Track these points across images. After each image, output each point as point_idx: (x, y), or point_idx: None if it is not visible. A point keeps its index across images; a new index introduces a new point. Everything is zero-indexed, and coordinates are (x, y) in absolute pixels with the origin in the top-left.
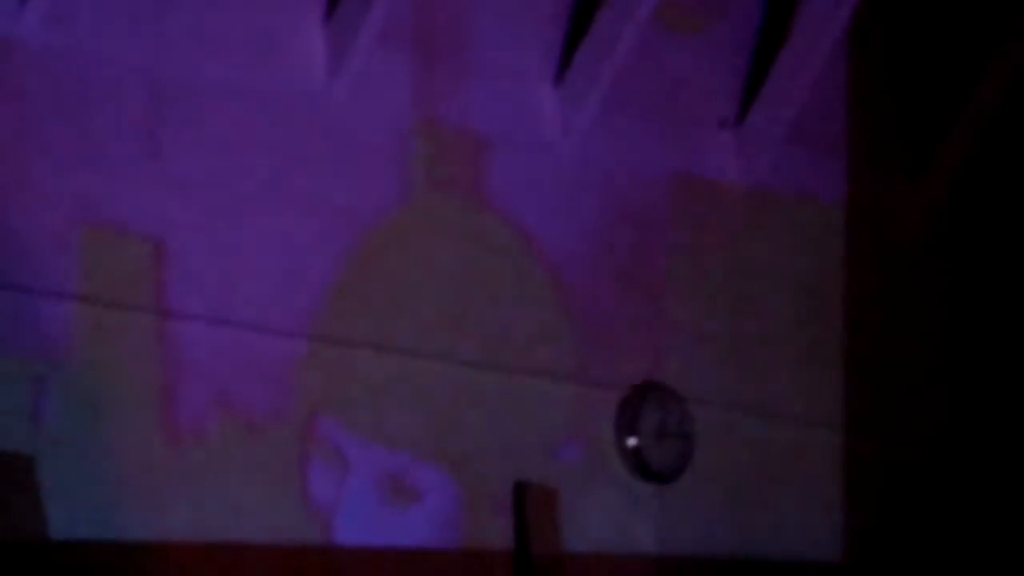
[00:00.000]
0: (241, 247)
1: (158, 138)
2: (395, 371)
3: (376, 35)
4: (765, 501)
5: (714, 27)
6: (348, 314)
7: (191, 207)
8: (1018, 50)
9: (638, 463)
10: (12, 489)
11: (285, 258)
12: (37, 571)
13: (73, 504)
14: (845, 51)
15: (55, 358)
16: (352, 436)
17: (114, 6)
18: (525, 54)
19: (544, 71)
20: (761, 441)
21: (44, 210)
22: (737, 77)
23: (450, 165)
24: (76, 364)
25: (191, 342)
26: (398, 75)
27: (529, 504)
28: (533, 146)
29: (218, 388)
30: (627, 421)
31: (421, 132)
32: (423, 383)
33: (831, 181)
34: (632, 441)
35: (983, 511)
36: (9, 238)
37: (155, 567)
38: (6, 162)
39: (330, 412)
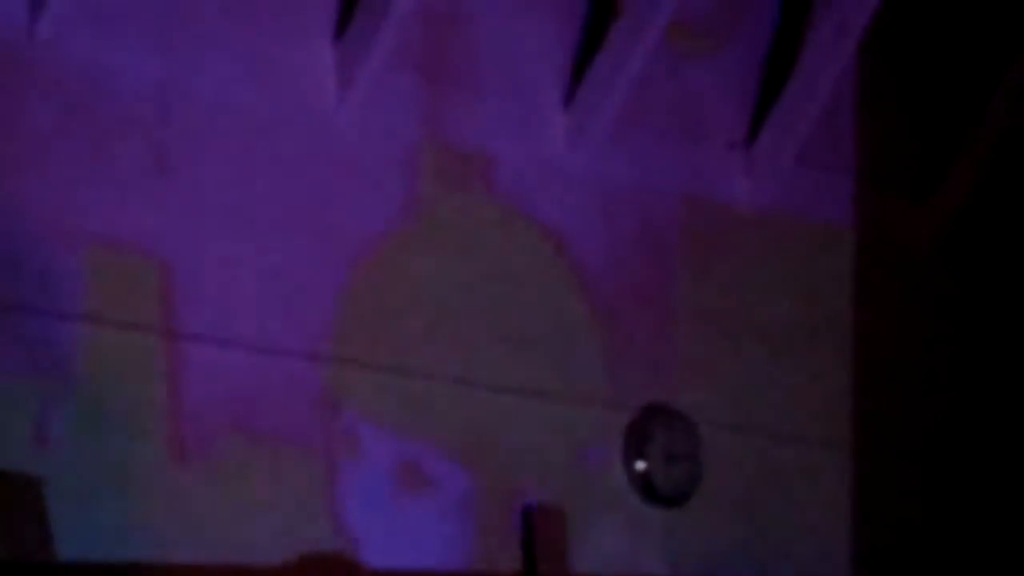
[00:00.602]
0: (250, 266)
1: (166, 155)
2: (405, 392)
3: (386, 54)
4: (774, 522)
5: (725, 48)
6: (357, 334)
7: (199, 225)
8: None
9: (646, 486)
10: (19, 510)
11: (294, 277)
12: None
13: (81, 525)
14: (855, 72)
15: (62, 378)
16: (362, 454)
17: (123, 21)
18: (535, 74)
19: (554, 91)
20: (770, 462)
21: (50, 228)
22: (747, 98)
23: (459, 184)
24: (83, 384)
25: (199, 362)
26: (408, 94)
27: (537, 526)
28: (542, 165)
29: (226, 408)
30: (635, 444)
31: (430, 151)
32: (432, 405)
33: (841, 202)
34: (640, 465)
35: (994, 530)
36: (14, 256)
37: None
38: (12, 178)
39: (341, 431)
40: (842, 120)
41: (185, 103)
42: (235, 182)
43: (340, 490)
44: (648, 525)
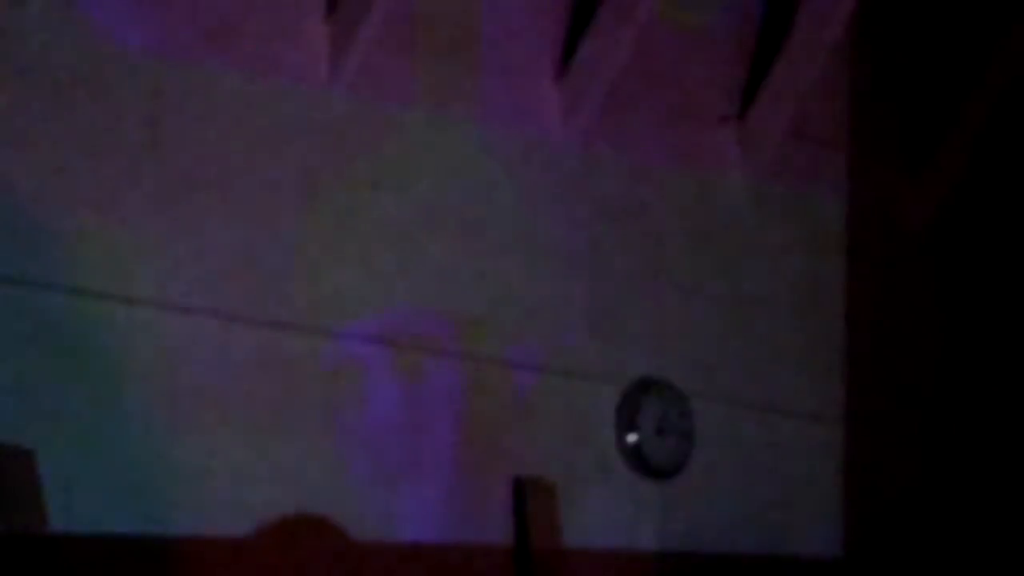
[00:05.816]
0: (239, 239)
1: (158, 129)
2: (387, 364)
3: (377, 31)
4: (765, 497)
5: (716, 22)
6: (350, 309)
7: (190, 200)
8: (1021, 44)
9: (638, 459)
10: (11, 482)
11: (281, 250)
12: (36, 564)
13: (72, 497)
14: (847, 45)
15: (52, 349)
16: (342, 428)
17: None
18: (527, 49)
19: (545, 66)
20: (761, 437)
21: (40, 199)
22: (739, 72)
23: (453, 160)
24: (73, 355)
25: (190, 333)
26: (398, 71)
27: (529, 499)
28: (535, 141)
29: (217, 381)
30: (627, 417)
31: (421, 127)
32: (419, 378)
33: (833, 176)
34: (632, 437)
35: (983, 507)
36: (4, 227)
37: (154, 561)
38: (3, 150)
39: (323, 406)
40: (835, 93)
41: (179, 77)
42: (227, 158)
43: (339, 452)
44: (640, 497)
